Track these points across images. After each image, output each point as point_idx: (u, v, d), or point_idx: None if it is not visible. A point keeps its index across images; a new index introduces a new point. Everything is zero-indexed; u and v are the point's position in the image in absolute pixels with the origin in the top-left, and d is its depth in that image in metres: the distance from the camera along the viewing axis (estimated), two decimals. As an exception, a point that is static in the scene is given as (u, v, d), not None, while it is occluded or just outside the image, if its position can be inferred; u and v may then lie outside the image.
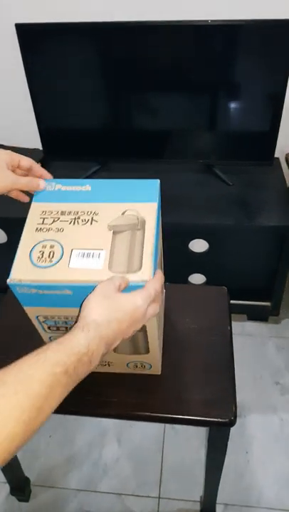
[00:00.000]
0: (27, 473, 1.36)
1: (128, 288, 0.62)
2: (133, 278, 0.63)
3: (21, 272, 0.64)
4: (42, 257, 0.64)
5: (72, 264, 0.64)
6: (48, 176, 0.76)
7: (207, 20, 1.33)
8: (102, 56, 1.48)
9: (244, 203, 1.57)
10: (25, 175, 0.75)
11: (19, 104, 1.68)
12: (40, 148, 1.69)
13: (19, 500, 1.34)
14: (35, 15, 1.45)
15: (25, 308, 0.70)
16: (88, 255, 0.64)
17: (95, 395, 0.88)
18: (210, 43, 1.41)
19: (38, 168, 0.75)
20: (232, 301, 1.71)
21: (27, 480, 1.36)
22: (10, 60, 1.59)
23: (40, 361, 0.51)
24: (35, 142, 1.69)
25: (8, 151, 0.73)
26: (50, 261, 0.64)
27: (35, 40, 1.44)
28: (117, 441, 1.46)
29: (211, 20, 1.33)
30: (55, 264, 0.64)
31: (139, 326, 0.63)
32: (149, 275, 0.63)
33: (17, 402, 0.46)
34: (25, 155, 1.89)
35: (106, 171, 1.71)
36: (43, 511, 1.32)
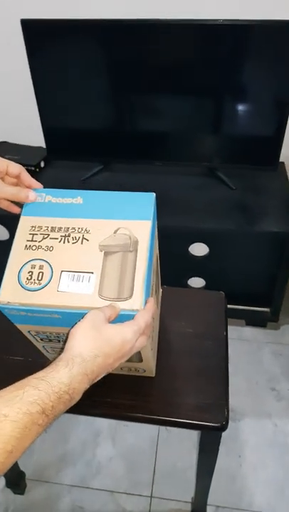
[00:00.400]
0: (22, 468, 1.38)
1: (118, 317, 0.61)
2: (123, 306, 0.61)
3: (9, 294, 0.62)
4: (31, 278, 0.63)
5: (61, 287, 0.62)
6: (38, 185, 0.72)
7: (218, 20, 1.33)
8: (108, 55, 1.49)
9: (246, 207, 1.58)
10: (15, 183, 0.72)
11: (24, 102, 1.69)
12: (44, 146, 1.70)
13: (14, 493, 1.36)
14: (42, 11, 1.45)
15: (16, 325, 0.69)
16: (78, 278, 0.63)
17: (88, 394, 0.88)
18: (218, 43, 1.40)
19: (27, 176, 0.72)
20: (231, 306, 1.72)
21: (22, 474, 1.38)
22: (15, 57, 1.60)
23: (17, 398, 0.48)
24: (39, 140, 1.70)
25: None
26: (39, 283, 0.62)
27: (41, 36, 1.45)
28: (111, 441, 1.48)
29: (223, 20, 1.33)
30: (44, 287, 0.62)
31: (125, 359, 0.61)
32: (140, 304, 0.61)
33: None
34: (30, 152, 1.90)
35: (108, 171, 1.72)
36: (37, 505, 1.34)
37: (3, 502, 1.35)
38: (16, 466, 1.34)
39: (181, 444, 1.46)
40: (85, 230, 0.66)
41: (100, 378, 0.59)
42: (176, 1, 1.47)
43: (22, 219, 0.69)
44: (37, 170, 1.72)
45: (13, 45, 1.56)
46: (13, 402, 0.48)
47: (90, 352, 0.56)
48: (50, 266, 0.64)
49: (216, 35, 1.39)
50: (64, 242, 0.65)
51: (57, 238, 0.66)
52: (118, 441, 1.48)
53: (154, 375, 0.92)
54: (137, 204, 0.68)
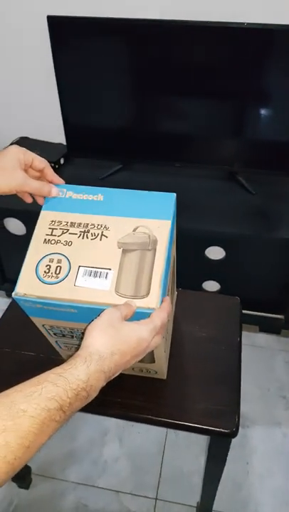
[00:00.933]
0: (28, 463, 1.38)
1: (134, 315, 0.61)
2: (140, 304, 0.61)
3: (27, 286, 0.63)
4: (48, 271, 0.63)
5: (78, 282, 0.62)
6: (60, 181, 0.73)
7: (243, 23, 1.32)
8: (132, 54, 1.49)
9: (265, 213, 1.57)
10: (38, 177, 0.73)
11: (46, 98, 1.70)
12: (64, 143, 1.71)
13: (19, 487, 1.37)
14: (68, 8, 1.46)
15: (31, 317, 0.69)
16: (96, 274, 0.63)
17: (99, 393, 0.89)
18: (243, 46, 1.39)
19: (50, 171, 0.72)
20: (244, 311, 1.70)
21: (28, 469, 1.38)
22: (40, 54, 1.61)
23: (36, 394, 0.49)
24: (60, 137, 1.71)
25: (23, 149, 0.70)
26: (57, 277, 0.63)
27: (67, 33, 1.45)
28: (118, 441, 1.48)
29: (247, 23, 1.32)
30: (62, 281, 0.62)
31: (141, 357, 0.62)
32: (157, 303, 0.61)
33: (5, 441, 0.44)
34: (50, 149, 1.91)
35: (127, 171, 1.72)
36: (41, 500, 1.35)
37: (8, 496, 1.35)
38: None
39: (188, 449, 1.45)
40: (105, 226, 0.66)
41: (115, 376, 0.59)
42: (203, 2, 1.46)
43: (42, 213, 0.69)
44: (56, 166, 1.73)
45: (39, 41, 1.57)
46: (32, 397, 0.48)
47: (107, 349, 0.56)
48: (69, 260, 0.64)
49: (241, 39, 1.38)
50: (83, 238, 0.66)
51: (76, 233, 0.66)
52: (125, 442, 1.47)
53: (165, 378, 0.91)
54: (157, 203, 0.68)
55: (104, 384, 0.57)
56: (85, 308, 0.61)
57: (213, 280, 1.65)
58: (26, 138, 1.89)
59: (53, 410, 0.48)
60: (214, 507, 1.29)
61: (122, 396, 0.89)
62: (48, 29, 1.43)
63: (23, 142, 1.86)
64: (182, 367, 0.94)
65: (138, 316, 0.61)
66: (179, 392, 0.90)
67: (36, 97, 1.81)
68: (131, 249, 0.64)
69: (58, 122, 1.65)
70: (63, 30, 1.46)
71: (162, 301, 0.63)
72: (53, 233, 0.67)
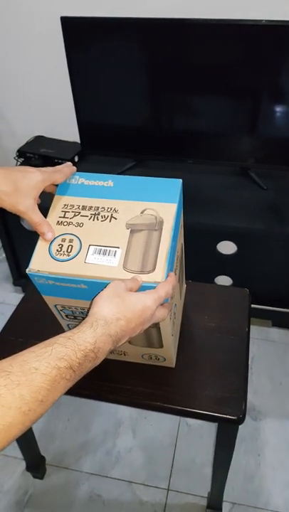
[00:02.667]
0: (43, 453, 1.41)
1: (140, 288, 0.65)
2: (145, 279, 0.65)
3: (40, 263, 0.67)
4: (60, 250, 0.67)
5: (88, 259, 0.66)
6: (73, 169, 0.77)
7: (261, 20, 1.33)
8: (145, 53, 1.51)
9: (277, 208, 1.57)
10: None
11: (61, 97, 1.74)
12: (79, 141, 1.74)
13: (34, 477, 1.40)
14: (81, 8, 1.49)
15: (43, 296, 0.73)
16: (105, 252, 0.67)
17: (109, 381, 0.92)
18: (257, 43, 1.39)
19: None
20: (257, 306, 1.72)
21: (43, 459, 1.41)
22: (54, 54, 1.64)
23: (46, 354, 0.51)
24: (75, 135, 1.74)
25: (45, 177, 0.71)
26: (68, 255, 0.67)
27: (80, 34, 1.48)
28: (131, 432, 1.50)
29: (266, 21, 1.33)
30: (73, 258, 0.67)
31: (147, 326, 0.64)
32: (162, 277, 0.65)
33: (19, 393, 0.47)
34: (64, 147, 1.93)
35: (140, 168, 1.74)
36: (55, 490, 1.37)
37: (23, 485, 1.38)
38: (36, 450, 1.37)
39: (200, 440, 1.46)
40: (114, 209, 0.71)
41: (123, 342, 0.62)
42: (215, 0, 1.48)
43: (56, 197, 0.74)
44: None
45: (52, 41, 1.60)
46: (43, 357, 0.51)
47: (112, 315, 0.59)
48: (80, 240, 0.68)
49: (257, 36, 1.38)
50: (93, 220, 0.70)
51: (87, 216, 0.71)
52: (138, 433, 1.49)
53: (174, 366, 0.93)
54: (164, 189, 0.73)
55: (112, 348, 0.59)
56: (94, 282, 0.64)
57: (225, 275, 1.66)
58: (41, 136, 1.93)
59: (63, 369, 0.51)
60: (226, 498, 1.31)
61: (132, 384, 0.91)
62: (62, 29, 1.46)
63: (39, 141, 1.89)
64: (191, 356, 0.96)
65: (144, 289, 0.65)
66: (187, 379, 0.92)
67: (51, 97, 1.84)
68: (138, 230, 0.68)
69: (72, 121, 1.68)
70: (76, 31, 1.48)
71: (168, 276, 0.66)
72: (66, 216, 0.71)
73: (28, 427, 0.49)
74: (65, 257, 0.67)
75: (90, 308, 0.62)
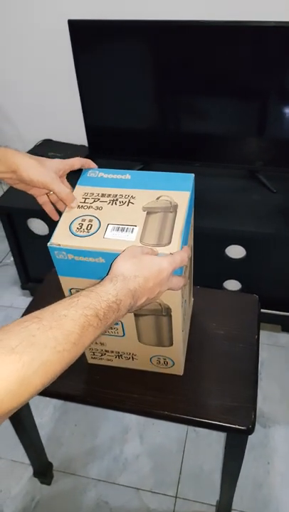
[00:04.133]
0: (50, 459, 1.41)
1: None
2: (162, 250, 0.67)
3: (61, 238, 0.70)
4: (81, 228, 0.71)
5: (107, 235, 0.70)
6: (93, 165, 0.83)
7: (270, 22, 1.32)
8: (152, 56, 1.50)
9: (287, 211, 1.55)
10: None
11: (68, 101, 1.73)
12: (87, 145, 1.73)
13: (41, 482, 1.39)
14: (88, 11, 1.48)
15: (60, 278, 0.76)
16: (122, 229, 0.70)
17: (116, 389, 0.91)
18: (265, 45, 1.38)
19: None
20: (267, 311, 1.70)
21: (50, 465, 1.40)
22: (61, 57, 1.64)
23: (73, 304, 0.54)
24: (82, 139, 1.73)
25: (63, 163, 0.79)
26: (88, 232, 0.71)
27: (87, 37, 1.47)
28: (139, 439, 1.48)
29: (275, 22, 1.32)
30: (92, 234, 0.70)
31: (163, 289, 0.66)
32: (178, 248, 0.68)
33: (52, 335, 0.50)
34: (72, 150, 1.93)
35: (148, 171, 1.73)
36: (62, 496, 1.37)
37: (31, 491, 1.38)
38: (44, 456, 1.37)
39: (209, 447, 1.45)
40: (131, 196, 0.76)
41: (143, 302, 0.64)
42: (223, 2, 1.46)
43: (77, 187, 0.79)
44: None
45: (60, 45, 1.60)
46: (70, 306, 0.54)
47: (130, 273, 0.62)
48: (99, 220, 0.72)
49: (265, 37, 1.37)
50: (112, 204, 0.75)
51: (106, 201, 0.76)
52: (146, 440, 1.48)
53: (181, 373, 0.92)
54: (178, 180, 0.78)
55: (133, 303, 0.61)
56: (112, 255, 0.67)
57: (234, 279, 1.64)
58: (49, 140, 1.93)
59: (90, 316, 0.54)
60: (235, 506, 1.29)
61: (139, 392, 0.90)
62: (69, 33, 1.46)
63: (47, 144, 1.89)
64: (199, 363, 0.95)
65: None
66: (195, 388, 0.91)
67: (59, 100, 1.84)
68: (154, 212, 0.73)
69: (80, 125, 1.68)
70: (84, 34, 1.48)
71: (183, 248, 0.69)
72: (86, 201, 0.76)
73: (64, 367, 0.51)
74: (85, 233, 0.70)
75: (109, 269, 0.65)
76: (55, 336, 0.50)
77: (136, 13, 1.50)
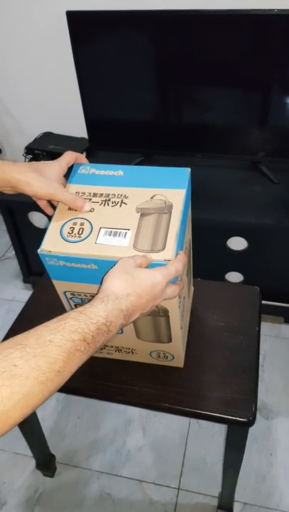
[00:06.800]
0: (53, 451, 1.41)
1: (150, 266, 0.65)
2: (156, 257, 0.65)
3: (51, 244, 0.68)
4: (72, 232, 0.69)
5: (99, 240, 0.68)
6: (85, 160, 0.81)
7: (273, 10, 1.30)
8: (152, 46, 1.48)
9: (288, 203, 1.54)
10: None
11: (68, 94, 1.72)
12: (87, 137, 1.72)
13: (44, 475, 1.40)
14: (87, 2, 1.46)
15: (53, 281, 0.74)
16: (115, 234, 0.68)
17: (117, 382, 0.91)
18: (271, 33, 1.36)
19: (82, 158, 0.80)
20: (269, 303, 1.69)
21: (52, 457, 1.41)
22: (60, 50, 1.62)
23: (60, 327, 0.53)
24: (83, 131, 1.72)
25: (64, 169, 0.77)
26: (79, 237, 0.68)
27: (86, 28, 1.46)
28: (142, 431, 1.49)
29: (278, 10, 1.30)
30: (84, 239, 0.68)
31: (158, 302, 0.65)
32: (172, 255, 0.65)
33: (35, 364, 0.48)
34: (72, 143, 1.92)
35: (149, 163, 1.72)
36: (65, 488, 1.37)
37: (34, 483, 1.38)
38: (46, 448, 1.37)
39: (211, 439, 1.45)
40: (124, 195, 0.73)
41: (136, 317, 0.62)
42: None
43: (68, 186, 0.76)
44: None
45: (59, 37, 1.58)
46: (57, 330, 0.52)
47: (122, 291, 0.60)
48: (91, 223, 0.70)
49: (267, 25, 1.35)
50: (104, 205, 0.72)
51: (98, 202, 0.73)
52: (148, 432, 1.48)
53: (182, 366, 0.92)
54: (173, 176, 0.75)
55: (124, 323, 0.60)
56: (104, 262, 0.65)
57: (236, 271, 1.64)
58: (50, 133, 1.92)
59: (77, 341, 0.52)
60: (238, 498, 1.29)
61: (139, 385, 0.90)
62: (68, 24, 1.44)
63: (47, 137, 1.88)
64: (199, 356, 0.94)
65: (154, 267, 0.65)
66: (196, 380, 0.90)
67: (58, 93, 1.83)
68: (148, 213, 0.70)
69: (80, 117, 1.66)
70: (82, 25, 1.46)
71: (178, 255, 0.67)
72: None
73: (47, 397, 0.49)
74: (77, 239, 0.68)
75: (100, 285, 0.63)
76: (38, 365, 0.48)
77: (135, 3, 1.49)
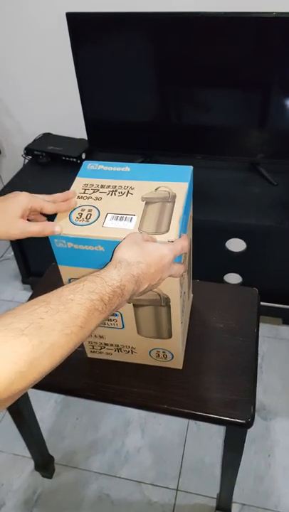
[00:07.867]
0: (52, 452, 1.41)
1: None
2: (160, 238, 0.68)
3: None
4: (80, 217, 0.72)
5: (106, 224, 0.71)
6: (74, 195, 0.77)
7: (271, 13, 1.31)
8: (152, 48, 1.49)
9: (288, 204, 1.54)
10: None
11: (68, 95, 1.72)
12: (86, 138, 1.72)
13: (43, 476, 1.40)
14: (86, 4, 1.47)
15: (60, 267, 0.77)
16: (121, 218, 0.72)
17: (115, 383, 0.91)
18: (270, 35, 1.37)
19: (64, 205, 0.75)
20: (268, 304, 1.69)
21: (51, 458, 1.41)
22: (60, 51, 1.62)
23: (79, 288, 0.55)
24: (82, 132, 1.72)
25: (31, 198, 0.72)
26: (87, 220, 0.72)
27: (86, 30, 1.46)
28: (140, 432, 1.49)
29: (276, 13, 1.30)
30: (92, 223, 0.71)
31: (165, 275, 0.67)
32: (176, 236, 0.69)
33: (60, 318, 0.51)
34: (72, 144, 1.91)
35: (148, 164, 1.72)
36: (64, 489, 1.37)
37: (32, 484, 1.38)
38: (45, 449, 1.37)
39: (210, 440, 1.45)
40: (130, 187, 0.77)
41: (144, 289, 0.64)
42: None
43: (77, 179, 0.80)
44: (78, 161, 1.75)
45: (59, 38, 1.58)
46: (76, 291, 0.55)
47: (134, 259, 0.63)
48: (98, 210, 0.74)
49: (266, 28, 1.36)
50: (111, 195, 0.76)
51: (105, 192, 0.77)
52: (147, 433, 1.49)
53: (181, 367, 0.92)
54: (177, 172, 0.80)
55: (136, 289, 0.62)
56: (111, 243, 0.68)
57: (235, 273, 1.64)
58: (49, 134, 1.92)
59: (96, 301, 0.55)
60: (236, 499, 1.30)
61: (138, 386, 0.90)
62: (67, 26, 1.44)
63: (46, 138, 1.88)
64: (198, 357, 0.95)
65: None
66: (194, 381, 0.91)
67: (58, 94, 1.83)
68: (153, 202, 0.74)
69: (80, 118, 1.67)
70: (82, 27, 1.46)
71: (181, 236, 0.70)
72: (86, 192, 0.77)
73: (71, 350, 0.52)
74: (85, 222, 0.71)
75: (112, 256, 0.65)
76: (62, 319, 0.51)
77: (134, 4, 1.49)
